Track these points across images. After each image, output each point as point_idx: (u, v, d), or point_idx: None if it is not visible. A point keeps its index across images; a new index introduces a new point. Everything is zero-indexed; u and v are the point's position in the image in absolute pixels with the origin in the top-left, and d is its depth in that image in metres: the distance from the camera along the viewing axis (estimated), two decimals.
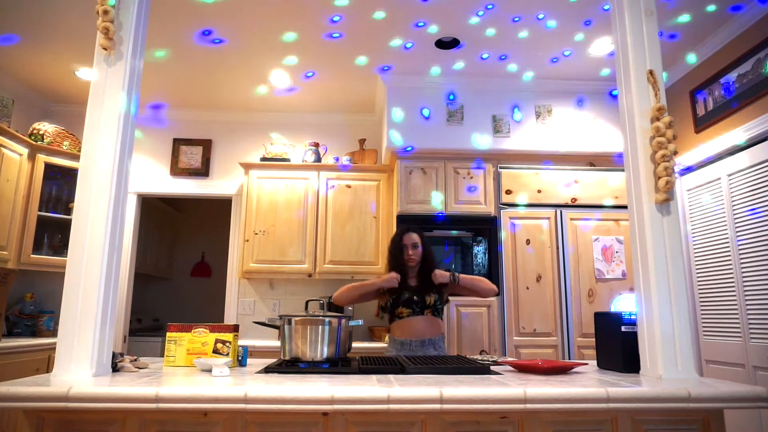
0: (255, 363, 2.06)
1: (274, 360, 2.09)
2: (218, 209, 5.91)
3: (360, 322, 2.14)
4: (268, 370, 1.75)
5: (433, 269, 2.60)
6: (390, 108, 3.80)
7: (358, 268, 3.97)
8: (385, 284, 2.52)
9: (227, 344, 1.91)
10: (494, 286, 2.61)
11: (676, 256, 1.76)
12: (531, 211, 3.67)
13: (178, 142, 4.48)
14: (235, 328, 1.96)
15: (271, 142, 4.31)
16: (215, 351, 1.90)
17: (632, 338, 1.83)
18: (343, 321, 1.98)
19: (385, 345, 3.63)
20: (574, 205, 3.68)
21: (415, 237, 2.65)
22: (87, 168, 1.71)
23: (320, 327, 1.91)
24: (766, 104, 2.89)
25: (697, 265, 3.43)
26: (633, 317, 1.85)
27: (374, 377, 1.61)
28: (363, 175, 4.12)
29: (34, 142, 3.72)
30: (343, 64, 3.68)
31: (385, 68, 3.75)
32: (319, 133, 4.56)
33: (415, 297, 2.56)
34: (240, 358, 1.97)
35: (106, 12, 1.74)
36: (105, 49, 1.77)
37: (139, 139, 4.38)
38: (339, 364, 1.87)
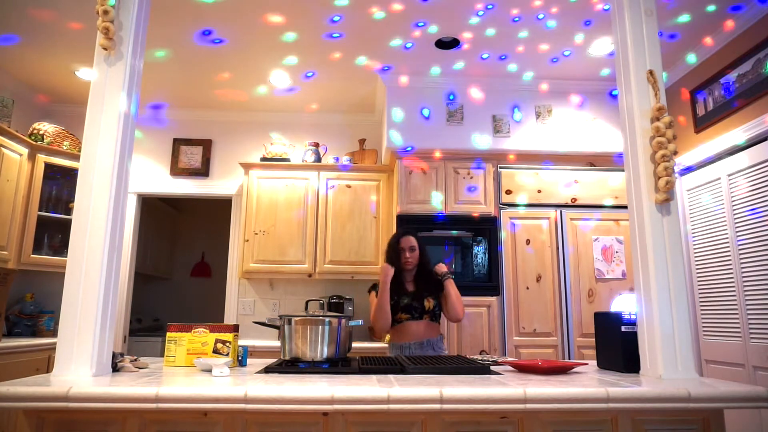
0: (255, 363, 2.06)
1: (274, 360, 2.09)
2: (218, 209, 5.91)
3: (360, 322, 2.14)
4: (268, 370, 1.75)
5: (431, 270, 2.65)
6: (390, 108, 3.80)
7: (358, 268, 3.97)
8: (386, 278, 2.53)
9: (227, 344, 1.91)
10: (462, 315, 2.61)
11: (676, 256, 1.76)
12: (531, 211, 3.67)
13: (178, 142, 4.48)
14: (235, 328, 1.96)
15: (271, 142, 4.32)
16: (215, 351, 1.90)
17: (632, 338, 1.83)
18: (343, 321, 1.98)
19: (386, 345, 3.64)
20: (574, 205, 3.68)
21: (412, 240, 2.66)
22: (87, 168, 1.71)
23: (320, 327, 1.90)
24: (766, 104, 2.89)
25: (697, 265, 3.43)
26: (633, 317, 1.85)
27: (374, 377, 1.61)
28: (363, 175, 4.12)
29: (34, 142, 3.72)
30: (343, 64, 3.68)
31: (385, 68, 3.75)
32: (319, 133, 4.56)
33: (414, 303, 2.58)
34: (240, 358, 1.96)
35: (106, 12, 1.74)
36: (105, 49, 1.77)
37: (139, 139, 4.38)
38: (339, 364, 1.87)
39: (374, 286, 2.68)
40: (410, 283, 2.67)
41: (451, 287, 2.59)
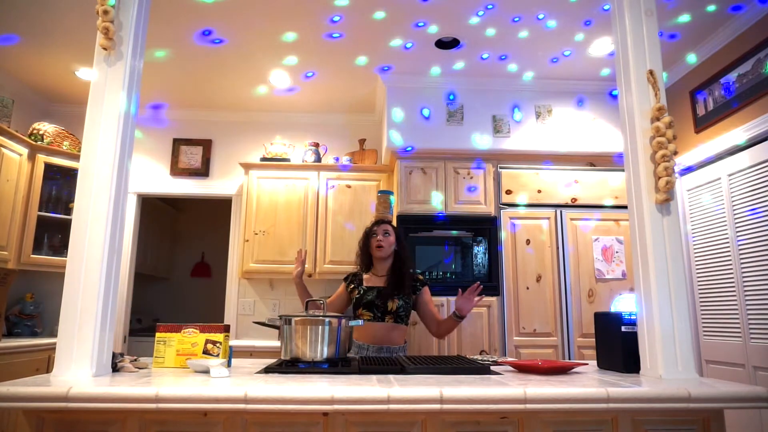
0: (255, 363, 2.06)
1: (274, 360, 2.09)
2: (218, 209, 5.90)
3: (360, 322, 2.13)
4: (268, 370, 1.75)
5: (408, 269, 2.50)
6: (390, 108, 3.79)
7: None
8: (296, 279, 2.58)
9: (218, 345, 1.88)
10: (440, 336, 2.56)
11: (676, 256, 1.76)
12: (531, 211, 3.67)
13: (178, 142, 4.48)
14: (225, 329, 1.92)
15: (271, 142, 4.32)
16: (205, 351, 1.86)
17: (632, 338, 1.83)
18: (343, 321, 1.98)
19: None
20: (574, 205, 3.68)
21: (387, 227, 2.54)
22: (87, 168, 1.71)
23: (320, 327, 1.90)
24: (766, 104, 2.89)
25: (697, 265, 3.43)
26: (633, 317, 1.85)
27: (374, 377, 1.61)
28: (363, 175, 4.12)
29: (34, 142, 3.72)
30: (343, 64, 3.68)
31: (385, 68, 3.75)
32: (319, 133, 4.56)
33: (377, 301, 2.43)
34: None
35: (106, 12, 1.73)
36: (105, 49, 1.77)
37: (139, 139, 4.37)
38: (339, 364, 1.87)
39: (347, 277, 2.64)
40: (382, 278, 2.49)
41: (449, 323, 2.43)
